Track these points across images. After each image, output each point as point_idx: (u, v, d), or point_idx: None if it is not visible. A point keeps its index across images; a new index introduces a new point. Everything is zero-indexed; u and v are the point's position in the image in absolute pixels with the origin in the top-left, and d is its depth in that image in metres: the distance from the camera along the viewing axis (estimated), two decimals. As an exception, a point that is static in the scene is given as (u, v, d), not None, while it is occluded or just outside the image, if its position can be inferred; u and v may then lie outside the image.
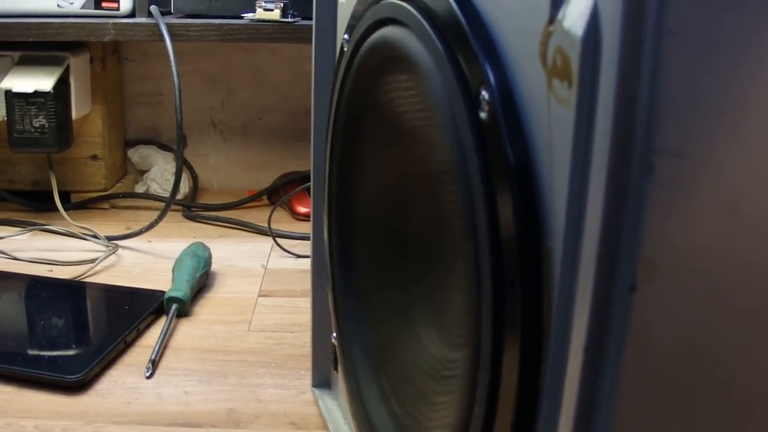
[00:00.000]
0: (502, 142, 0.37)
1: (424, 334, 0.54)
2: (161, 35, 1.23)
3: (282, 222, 1.35)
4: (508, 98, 0.37)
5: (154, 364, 0.87)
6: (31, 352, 0.87)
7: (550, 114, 0.34)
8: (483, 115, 0.38)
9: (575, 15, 0.32)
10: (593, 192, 0.31)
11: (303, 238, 1.26)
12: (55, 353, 0.86)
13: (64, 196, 1.36)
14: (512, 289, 0.37)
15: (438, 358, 0.52)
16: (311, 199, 0.75)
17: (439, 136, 0.44)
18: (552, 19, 0.34)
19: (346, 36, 0.61)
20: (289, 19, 1.25)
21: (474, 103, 0.39)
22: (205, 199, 1.50)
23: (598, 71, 0.31)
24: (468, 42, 0.40)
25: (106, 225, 1.32)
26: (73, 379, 0.81)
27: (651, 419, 0.34)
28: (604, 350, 0.32)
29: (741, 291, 0.33)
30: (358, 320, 0.64)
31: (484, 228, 0.38)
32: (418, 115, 0.49)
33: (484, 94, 0.38)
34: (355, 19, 0.59)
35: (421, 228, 0.54)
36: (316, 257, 0.76)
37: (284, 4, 1.24)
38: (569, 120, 0.32)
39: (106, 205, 1.42)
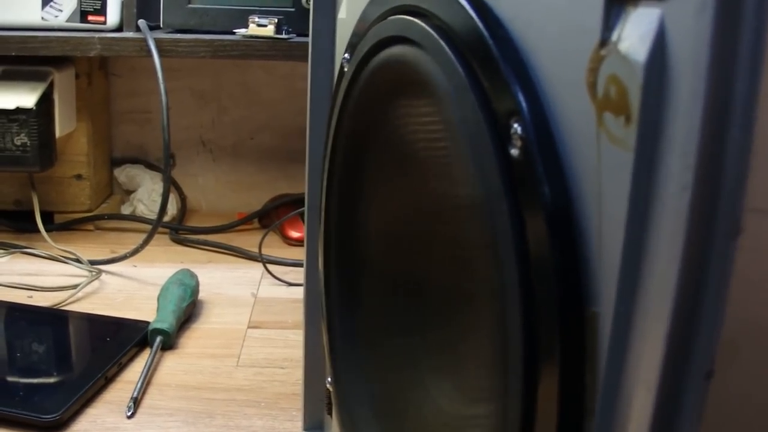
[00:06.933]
0: (538, 185, 0.31)
1: (445, 389, 0.48)
2: (149, 51, 1.18)
3: (273, 247, 1.29)
4: (545, 133, 0.32)
5: (136, 402, 0.82)
6: (5, 387, 0.82)
7: (600, 154, 0.29)
8: (514, 151, 0.33)
9: (635, 36, 0.26)
10: (663, 256, 0.25)
11: (295, 264, 1.21)
12: (31, 389, 0.82)
13: (47, 217, 1.32)
14: (547, 359, 0.32)
15: (460, 416, 0.46)
16: (305, 226, 0.70)
17: (460, 171, 0.38)
18: (605, 41, 0.28)
19: (346, 55, 0.56)
20: (284, 36, 1.20)
21: (503, 138, 0.33)
22: (193, 221, 1.45)
23: (664, 106, 0.25)
24: (496, 65, 0.34)
25: (90, 248, 1.27)
26: (49, 419, 0.76)
27: None
28: (671, 449, 0.26)
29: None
30: (360, 367, 0.58)
31: (515, 286, 0.32)
32: (435, 145, 0.43)
33: (516, 127, 0.32)
34: (357, 36, 0.54)
35: (438, 269, 0.48)
36: (310, 288, 0.71)
37: (278, 19, 1.20)
38: (626, 163, 0.27)
39: (91, 227, 1.38)
